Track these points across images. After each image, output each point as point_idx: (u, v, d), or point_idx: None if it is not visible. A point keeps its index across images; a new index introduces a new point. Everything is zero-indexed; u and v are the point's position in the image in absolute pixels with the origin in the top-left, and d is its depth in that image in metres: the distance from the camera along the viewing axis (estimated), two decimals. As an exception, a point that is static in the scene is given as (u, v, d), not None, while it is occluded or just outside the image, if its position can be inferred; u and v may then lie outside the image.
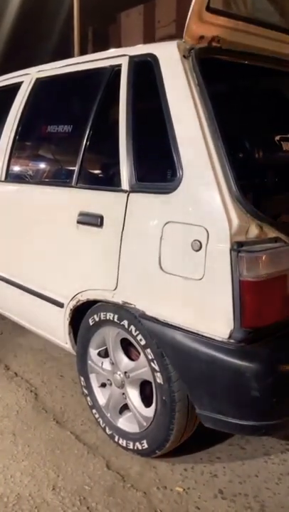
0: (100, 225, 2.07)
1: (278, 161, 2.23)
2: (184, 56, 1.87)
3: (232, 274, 1.63)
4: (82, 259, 2.21)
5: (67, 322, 2.33)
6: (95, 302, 2.19)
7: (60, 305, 2.35)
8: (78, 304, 2.24)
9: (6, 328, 3.50)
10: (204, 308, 1.74)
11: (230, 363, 1.68)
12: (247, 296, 1.63)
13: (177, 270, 1.79)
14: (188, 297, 1.78)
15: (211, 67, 1.88)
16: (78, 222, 2.18)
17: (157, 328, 1.88)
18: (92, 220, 2.11)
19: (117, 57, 2.18)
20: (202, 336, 1.74)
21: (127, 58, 2.11)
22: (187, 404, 1.91)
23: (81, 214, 2.17)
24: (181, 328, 1.80)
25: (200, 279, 1.71)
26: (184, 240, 1.75)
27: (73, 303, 2.26)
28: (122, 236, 1.99)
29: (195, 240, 1.71)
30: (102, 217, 2.07)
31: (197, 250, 1.71)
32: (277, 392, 1.68)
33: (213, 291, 1.69)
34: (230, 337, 1.67)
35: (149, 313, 1.91)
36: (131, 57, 2.10)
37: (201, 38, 1.90)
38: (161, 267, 1.84)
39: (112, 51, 2.27)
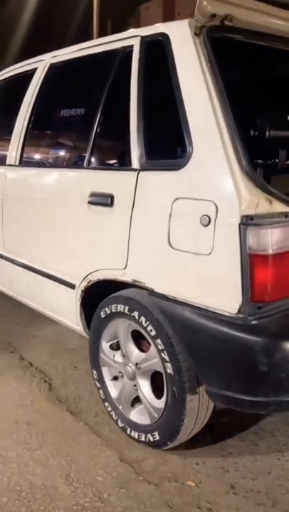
0: (111, 204, 2.08)
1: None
2: (196, 33, 1.86)
3: (241, 247, 1.62)
4: (93, 240, 2.22)
5: (78, 303, 2.34)
6: (105, 286, 2.18)
7: (72, 286, 2.36)
8: (89, 284, 2.25)
9: (21, 319, 3.52)
10: (213, 283, 1.72)
11: (238, 338, 1.66)
12: (256, 270, 1.62)
13: (186, 246, 1.79)
14: (197, 273, 1.77)
15: (223, 46, 1.86)
16: (89, 202, 2.19)
17: (166, 306, 1.87)
18: (102, 200, 2.12)
19: (129, 38, 2.18)
20: (211, 311, 1.73)
21: (138, 39, 2.11)
22: (198, 395, 1.90)
23: (92, 195, 2.18)
24: (190, 304, 1.79)
25: (209, 254, 1.70)
26: (193, 215, 1.74)
27: (84, 284, 2.27)
28: (131, 214, 1.99)
29: (204, 215, 1.70)
30: (112, 197, 2.08)
31: (206, 225, 1.70)
32: (286, 368, 1.66)
33: (221, 266, 1.68)
34: (238, 312, 1.66)
35: (158, 290, 1.90)
36: (142, 38, 2.10)
37: (213, 16, 1.87)
38: (170, 244, 1.83)
39: (125, 33, 2.28)
